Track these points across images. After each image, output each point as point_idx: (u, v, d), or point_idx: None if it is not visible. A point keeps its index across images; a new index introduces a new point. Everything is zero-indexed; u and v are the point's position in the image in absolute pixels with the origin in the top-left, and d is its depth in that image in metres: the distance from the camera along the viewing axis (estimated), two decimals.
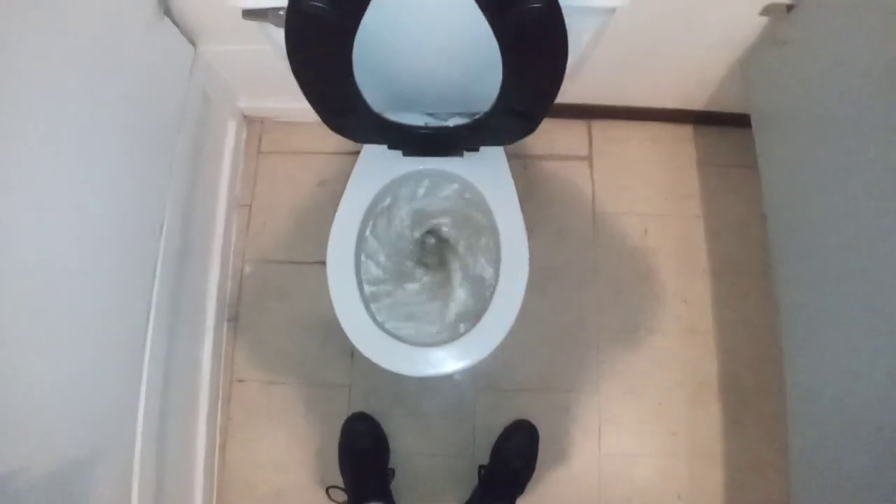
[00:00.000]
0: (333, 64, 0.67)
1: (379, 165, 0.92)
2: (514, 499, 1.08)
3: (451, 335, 0.96)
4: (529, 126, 0.81)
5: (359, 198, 0.91)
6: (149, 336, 0.91)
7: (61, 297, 0.72)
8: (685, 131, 1.33)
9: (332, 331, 1.20)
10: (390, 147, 0.91)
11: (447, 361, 0.86)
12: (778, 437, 1.18)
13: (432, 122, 0.92)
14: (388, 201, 0.98)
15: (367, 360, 0.86)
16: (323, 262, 1.23)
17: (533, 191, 1.27)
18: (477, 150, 0.90)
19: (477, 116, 0.84)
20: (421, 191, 0.99)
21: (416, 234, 1.02)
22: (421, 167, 0.92)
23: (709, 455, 1.18)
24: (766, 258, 1.24)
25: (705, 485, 1.17)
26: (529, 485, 1.12)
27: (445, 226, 1.01)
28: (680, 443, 1.19)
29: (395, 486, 1.11)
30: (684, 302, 1.24)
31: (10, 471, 0.64)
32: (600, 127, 1.31)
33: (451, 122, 0.91)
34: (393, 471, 1.10)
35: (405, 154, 0.91)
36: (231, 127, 1.27)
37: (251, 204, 1.28)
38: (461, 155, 0.91)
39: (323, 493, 1.11)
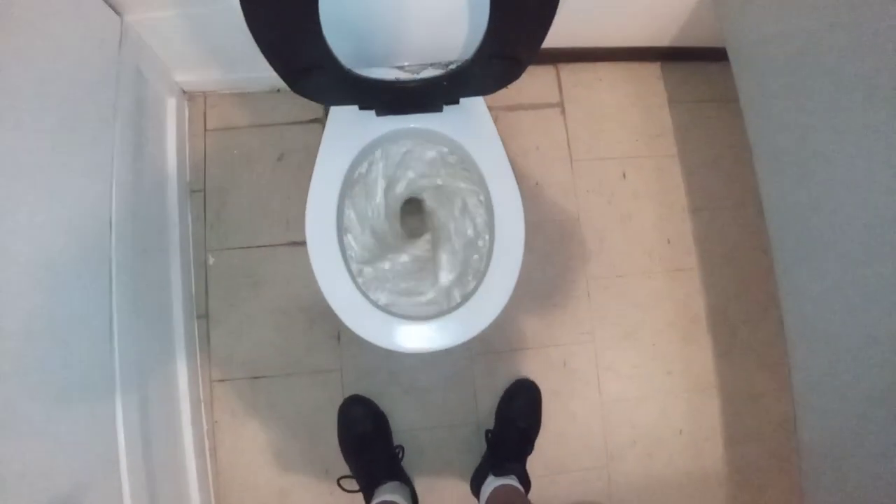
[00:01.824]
0: (297, 11, 0.59)
1: (351, 129, 0.84)
2: (524, 458, 1.07)
3: (445, 304, 0.91)
4: (516, 71, 0.75)
5: (333, 167, 0.83)
6: (115, 353, 0.81)
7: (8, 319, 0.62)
8: (653, 69, 1.29)
9: (313, 314, 1.13)
10: (361, 107, 0.83)
11: (447, 335, 0.82)
12: (769, 363, 1.22)
13: (403, 77, 0.84)
14: (364, 168, 0.90)
15: (355, 341, 0.81)
16: (294, 243, 1.15)
17: (507, 144, 1.19)
18: (457, 102, 0.83)
19: (454, 65, 0.77)
20: (399, 154, 0.91)
21: (398, 202, 0.95)
22: (397, 127, 0.84)
23: (705, 389, 1.20)
24: (742, 190, 1.26)
25: (704, 418, 1.20)
26: (537, 442, 1.11)
27: (429, 190, 0.94)
28: (676, 381, 1.20)
29: (405, 463, 1.07)
30: (668, 242, 1.23)
31: None
32: (568, 71, 1.26)
33: (424, 75, 0.83)
34: (402, 448, 1.06)
35: (379, 114, 0.83)
36: (171, 105, 1.13)
37: (204, 188, 1.16)
38: (440, 109, 0.84)
39: (329, 484, 1.06)
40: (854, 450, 0.85)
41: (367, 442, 1.04)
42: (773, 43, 0.91)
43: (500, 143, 0.84)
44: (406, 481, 1.02)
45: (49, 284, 0.69)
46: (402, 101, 0.82)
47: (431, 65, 0.85)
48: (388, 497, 0.94)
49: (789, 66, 0.87)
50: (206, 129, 1.19)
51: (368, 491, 0.98)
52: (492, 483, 0.98)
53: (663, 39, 1.22)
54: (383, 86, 0.76)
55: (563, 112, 1.25)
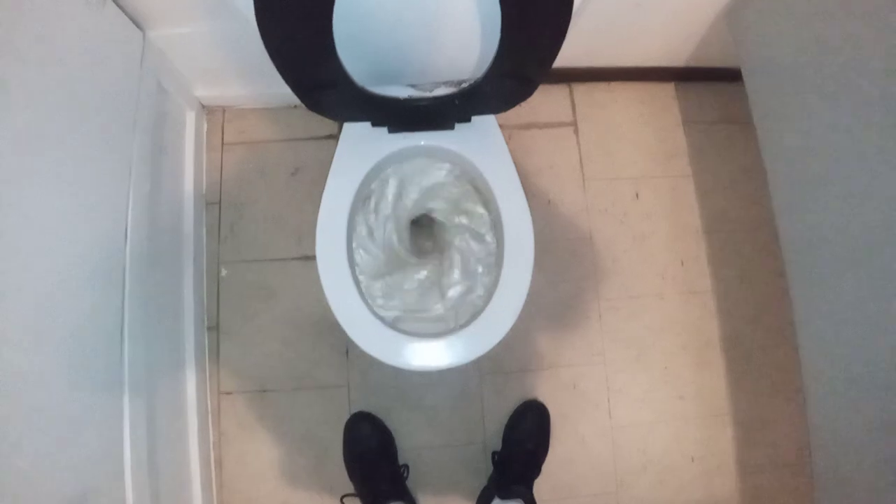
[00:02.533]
0: (311, 29, 0.60)
1: (363, 146, 0.85)
2: (531, 481, 1.05)
3: (453, 321, 0.90)
4: (527, 90, 0.75)
5: (344, 183, 0.83)
6: (125, 358, 0.82)
7: (17, 326, 0.63)
8: (668, 89, 1.29)
9: (322, 329, 1.13)
10: (374, 124, 0.83)
11: (454, 353, 0.81)
12: (784, 389, 1.19)
13: (416, 94, 0.84)
14: (375, 185, 0.90)
15: (363, 356, 0.81)
16: (306, 257, 1.16)
17: (520, 162, 1.21)
18: (468, 120, 0.84)
19: (465, 84, 0.77)
20: (411, 171, 0.91)
21: (408, 219, 0.95)
22: (409, 144, 0.85)
23: (718, 415, 1.18)
24: (758, 212, 1.24)
25: (717, 444, 1.17)
26: (544, 465, 1.09)
27: (439, 208, 0.94)
28: (689, 406, 1.17)
29: (410, 482, 1.06)
30: (681, 263, 1.22)
31: None
32: (582, 91, 1.27)
33: (436, 93, 0.84)
34: (407, 467, 1.05)
35: (391, 130, 0.84)
36: (190, 119, 1.16)
37: (220, 200, 1.18)
38: (452, 127, 0.84)
39: (332, 501, 1.05)
40: (870, 479, 0.82)
41: (373, 459, 1.03)
42: (789, 63, 0.90)
43: (511, 161, 0.84)
44: (410, 501, 1.01)
45: (62, 286, 0.70)
46: (414, 119, 0.82)
47: (444, 83, 0.85)
48: None
49: (805, 87, 0.86)
50: (223, 143, 1.21)
51: None
52: None
53: (678, 59, 1.22)
54: (396, 103, 0.77)
55: (576, 131, 1.25)
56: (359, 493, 1.02)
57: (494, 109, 0.83)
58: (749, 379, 1.19)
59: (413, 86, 0.86)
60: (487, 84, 0.72)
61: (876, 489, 0.81)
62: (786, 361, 1.19)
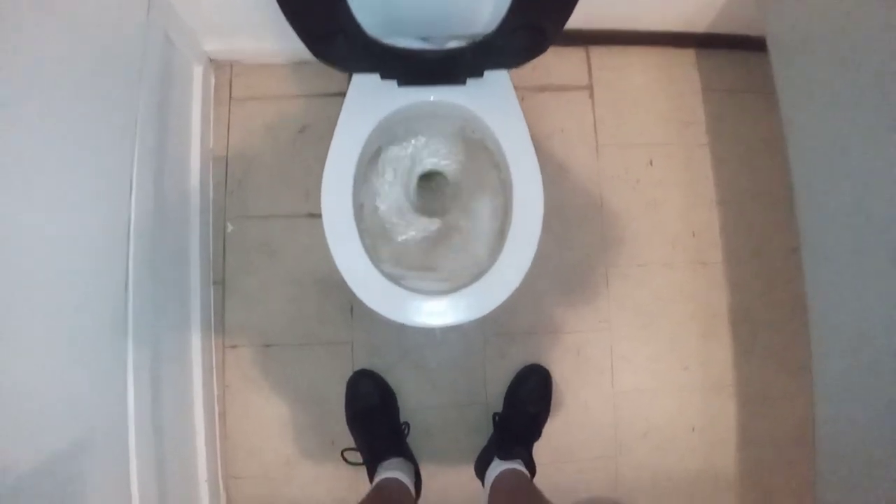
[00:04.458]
0: None
1: (371, 99, 0.83)
2: (531, 444, 1.06)
3: (458, 280, 0.90)
4: (542, 44, 0.73)
5: (351, 136, 0.82)
6: (129, 306, 0.82)
7: (21, 271, 0.63)
8: (687, 56, 1.25)
9: (327, 286, 1.13)
10: (383, 76, 0.81)
11: (459, 310, 0.81)
12: (789, 366, 1.18)
13: (428, 47, 0.82)
14: (383, 141, 0.89)
15: (367, 314, 0.80)
16: (312, 215, 1.15)
17: (532, 125, 1.17)
18: (481, 75, 0.81)
19: (478, 37, 0.75)
20: (420, 128, 0.89)
21: (416, 177, 0.93)
22: (419, 99, 0.83)
23: (722, 387, 1.17)
24: (774, 185, 1.21)
25: (719, 417, 1.17)
26: (545, 428, 1.10)
27: (448, 165, 0.92)
28: (693, 377, 1.17)
29: (410, 440, 1.07)
30: (693, 234, 1.20)
31: None
32: (599, 53, 1.23)
33: (448, 46, 0.81)
34: (407, 425, 1.06)
35: (401, 84, 0.82)
36: (198, 72, 1.14)
37: (227, 156, 1.17)
38: (464, 83, 0.82)
39: (334, 455, 1.06)
40: (874, 459, 0.82)
41: (374, 416, 1.04)
42: (817, 32, 0.86)
43: (523, 119, 0.82)
44: (410, 458, 1.02)
45: (66, 233, 0.70)
46: (424, 72, 0.80)
47: (456, 37, 0.83)
48: (390, 474, 0.94)
49: (833, 58, 0.83)
50: (231, 98, 1.19)
51: (372, 465, 0.99)
52: (497, 467, 0.97)
53: (699, 25, 1.18)
54: (406, 54, 0.75)
55: (591, 95, 1.21)
56: (359, 448, 1.03)
57: (507, 64, 0.81)
58: (755, 353, 1.19)
59: (424, 39, 0.84)
60: (501, 37, 0.70)
61: (881, 464, 0.80)
62: (792, 337, 1.18)
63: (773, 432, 1.18)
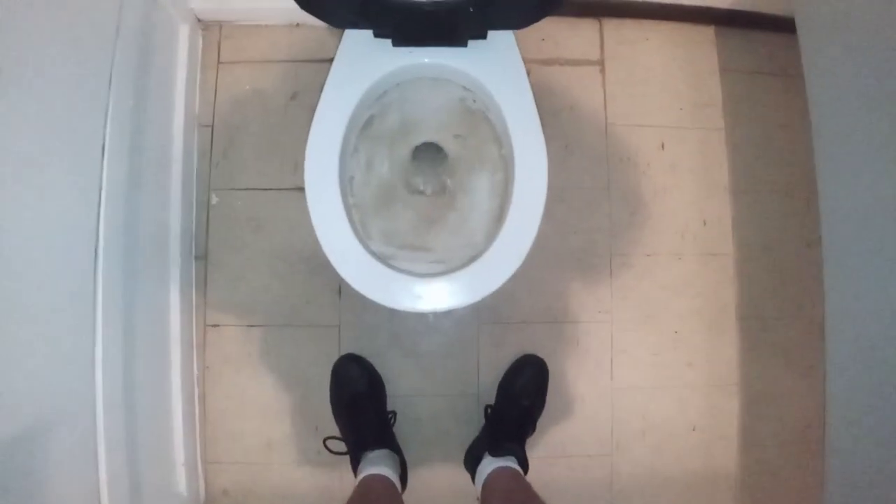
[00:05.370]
0: None
1: (363, 60, 0.76)
2: (524, 438, 1.00)
3: (452, 263, 0.83)
4: (552, 1, 0.66)
5: (340, 100, 0.75)
6: (99, 277, 0.76)
7: None
8: (706, 33, 1.17)
9: (316, 265, 1.07)
10: (377, 34, 0.74)
11: (453, 294, 0.75)
12: (798, 365, 1.12)
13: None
14: (375, 108, 0.82)
15: (356, 296, 0.74)
16: (301, 189, 1.07)
17: (538, 100, 1.10)
18: (484, 36, 0.74)
19: None
20: (415, 94, 0.82)
21: (410, 149, 0.87)
22: (415, 61, 0.76)
23: (725, 385, 1.12)
24: (792, 176, 1.15)
25: (721, 416, 1.12)
26: (539, 422, 1.04)
27: (445, 137, 0.85)
28: (697, 373, 1.11)
29: (397, 430, 1.02)
30: (704, 223, 1.13)
31: None
32: (612, 26, 1.15)
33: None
34: (394, 413, 1.01)
35: (395, 44, 0.75)
36: (183, 32, 1.06)
37: (213, 123, 1.10)
38: (465, 44, 0.75)
39: (317, 441, 1.01)
40: (887, 461, 0.77)
41: (360, 403, 0.98)
42: (853, 13, 0.79)
43: (529, 87, 0.75)
44: (396, 449, 0.97)
45: (27, 195, 0.64)
46: (421, 30, 0.73)
47: None
48: (375, 469, 0.88)
49: (870, 43, 0.76)
50: (219, 62, 1.12)
51: (355, 455, 0.93)
52: (489, 465, 0.92)
53: (721, 1, 1.10)
54: (402, 7, 0.67)
55: (602, 71, 1.14)
56: (343, 436, 0.98)
57: (513, 24, 0.73)
58: (762, 350, 1.13)
59: None
60: None
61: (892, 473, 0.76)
62: (802, 336, 1.13)
63: (778, 433, 1.12)
